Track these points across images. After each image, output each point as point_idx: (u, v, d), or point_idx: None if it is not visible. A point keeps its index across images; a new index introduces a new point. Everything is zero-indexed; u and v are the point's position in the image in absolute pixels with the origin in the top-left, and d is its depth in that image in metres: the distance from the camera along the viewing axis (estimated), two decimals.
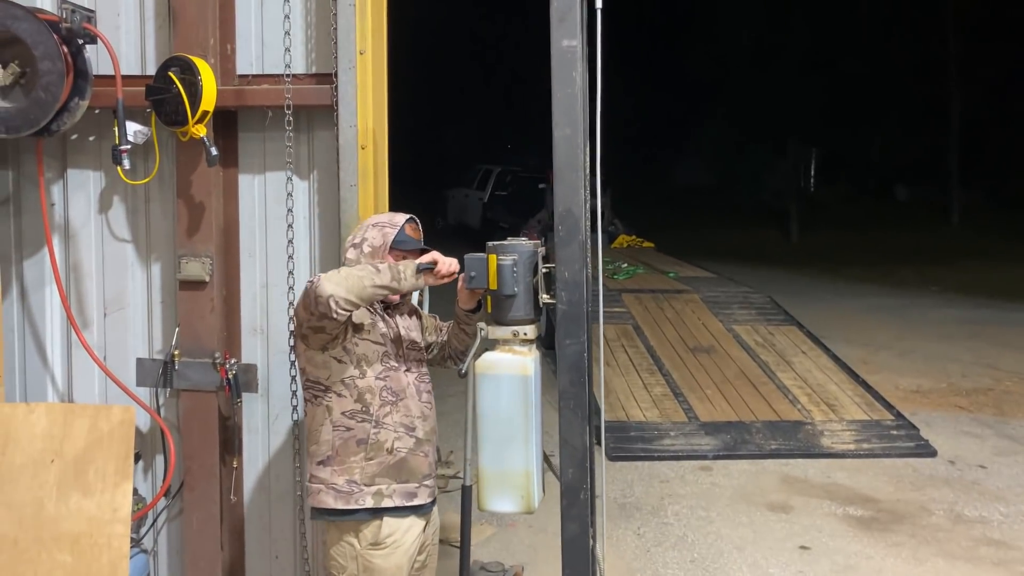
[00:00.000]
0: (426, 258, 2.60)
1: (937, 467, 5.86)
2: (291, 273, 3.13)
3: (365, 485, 2.58)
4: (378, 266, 2.52)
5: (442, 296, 2.87)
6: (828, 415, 6.61)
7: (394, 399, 2.63)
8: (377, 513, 2.59)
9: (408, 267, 2.54)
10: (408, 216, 2.75)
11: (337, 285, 2.42)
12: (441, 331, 2.93)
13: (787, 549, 4.67)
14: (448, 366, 2.94)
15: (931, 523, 5.00)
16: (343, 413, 2.60)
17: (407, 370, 2.69)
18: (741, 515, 5.11)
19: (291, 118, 3.04)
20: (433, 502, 2.78)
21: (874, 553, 4.62)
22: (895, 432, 6.36)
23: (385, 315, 2.71)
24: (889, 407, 6.77)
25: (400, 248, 2.66)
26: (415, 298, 3.36)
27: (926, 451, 6.08)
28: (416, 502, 2.67)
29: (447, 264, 2.60)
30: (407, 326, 2.78)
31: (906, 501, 5.31)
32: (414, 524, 2.67)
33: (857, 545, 4.72)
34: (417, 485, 2.67)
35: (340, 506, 2.58)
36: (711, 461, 5.95)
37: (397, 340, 2.70)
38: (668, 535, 4.85)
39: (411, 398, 2.67)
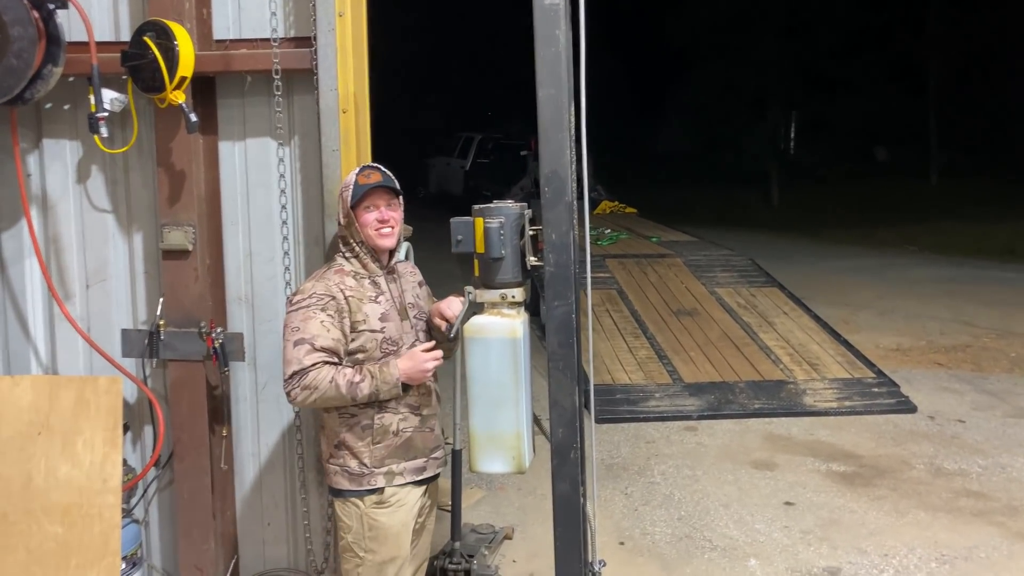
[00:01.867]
0: (404, 368, 2.55)
1: (917, 423, 5.97)
2: (285, 238, 3.10)
3: (375, 467, 2.63)
4: (355, 395, 2.51)
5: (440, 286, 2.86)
6: (810, 374, 6.70)
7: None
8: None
9: (385, 388, 2.54)
10: (359, 168, 2.69)
11: (310, 404, 2.54)
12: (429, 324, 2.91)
13: (772, 505, 4.75)
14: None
15: (912, 477, 5.11)
16: None
17: (411, 345, 2.67)
18: (726, 473, 5.19)
19: (280, 83, 2.98)
20: (439, 472, 2.82)
21: (856, 507, 4.72)
22: (876, 389, 6.46)
23: (387, 285, 2.69)
24: (870, 365, 6.87)
25: (359, 203, 2.60)
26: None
27: (906, 407, 6.19)
28: (426, 475, 2.72)
29: (428, 366, 2.58)
30: (416, 294, 2.79)
31: (887, 456, 5.41)
32: (417, 488, 2.72)
33: (840, 500, 4.81)
34: (426, 460, 2.71)
35: (354, 487, 2.63)
36: (696, 421, 6.03)
37: (402, 311, 2.69)
38: (655, 494, 4.92)
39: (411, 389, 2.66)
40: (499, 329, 2.60)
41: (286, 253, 3.11)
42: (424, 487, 2.74)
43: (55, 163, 3.22)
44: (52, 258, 3.24)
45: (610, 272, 9.14)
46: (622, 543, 4.35)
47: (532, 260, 2.65)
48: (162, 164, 3.04)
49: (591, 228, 11.66)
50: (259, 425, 3.24)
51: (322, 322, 2.53)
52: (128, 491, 3.19)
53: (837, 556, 4.18)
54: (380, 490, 2.63)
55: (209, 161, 3.13)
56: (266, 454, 3.24)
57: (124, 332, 3.20)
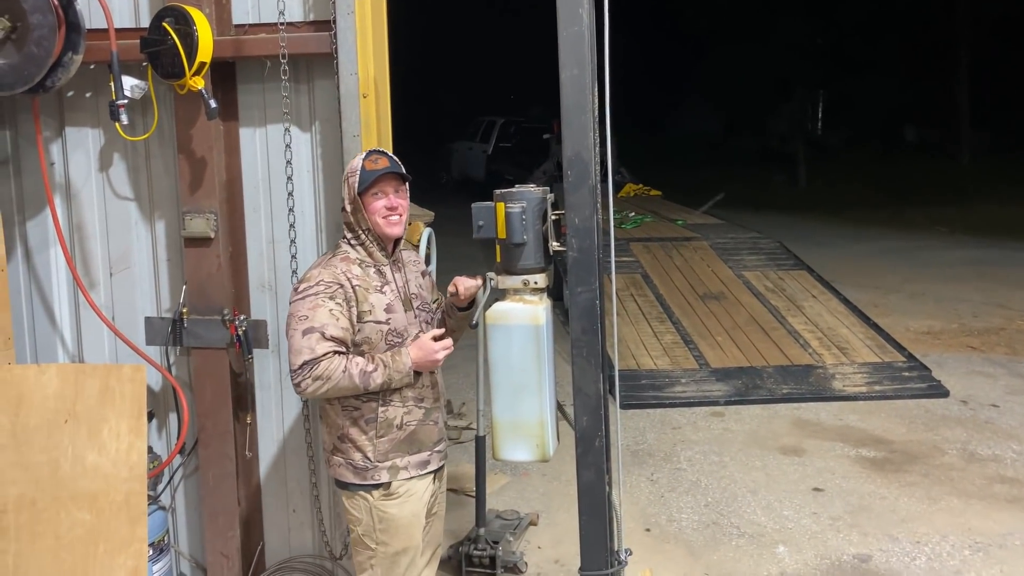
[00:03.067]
0: (415, 356, 2.52)
1: (949, 407, 5.86)
2: (292, 227, 3.08)
3: (379, 462, 2.58)
4: (367, 385, 2.46)
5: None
6: (839, 358, 6.59)
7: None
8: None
9: (397, 377, 2.50)
10: (366, 153, 2.61)
11: (321, 395, 2.47)
12: (439, 306, 2.86)
13: (800, 491, 4.69)
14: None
15: (944, 462, 5.01)
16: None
17: (416, 335, 2.62)
18: (754, 459, 5.12)
19: (287, 67, 2.96)
20: (444, 462, 2.78)
21: (887, 493, 4.64)
22: (907, 374, 6.35)
23: (393, 275, 2.64)
24: (900, 349, 6.75)
25: (364, 188, 2.53)
26: (423, 251, 3.33)
27: (938, 392, 6.08)
28: (430, 468, 2.68)
29: (439, 356, 2.55)
30: (419, 284, 2.74)
31: (919, 441, 5.32)
32: (425, 478, 2.68)
33: (870, 486, 4.73)
34: (429, 453, 2.67)
35: (358, 481, 2.60)
36: (723, 407, 5.96)
37: (407, 300, 2.64)
38: (681, 480, 4.87)
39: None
40: (521, 316, 2.56)
41: (292, 241, 3.08)
42: (432, 476, 2.70)
43: (77, 151, 3.22)
44: (76, 246, 3.25)
45: (634, 256, 9.06)
46: (648, 530, 4.31)
47: (555, 245, 2.60)
48: (183, 151, 3.03)
49: (615, 211, 11.55)
50: (283, 412, 3.24)
51: (331, 311, 2.46)
52: (154, 478, 3.21)
53: (867, 543, 4.12)
54: (386, 484, 2.58)
55: (230, 148, 3.11)
56: (290, 441, 3.24)
57: (148, 320, 3.21)
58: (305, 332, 2.43)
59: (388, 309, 2.57)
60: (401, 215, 2.61)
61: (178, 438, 3.18)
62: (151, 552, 3.02)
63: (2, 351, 2.96)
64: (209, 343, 3.08)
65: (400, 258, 2.70)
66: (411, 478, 2.62)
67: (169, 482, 3.30)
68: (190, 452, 3.25)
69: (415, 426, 2.61)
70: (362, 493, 2.59)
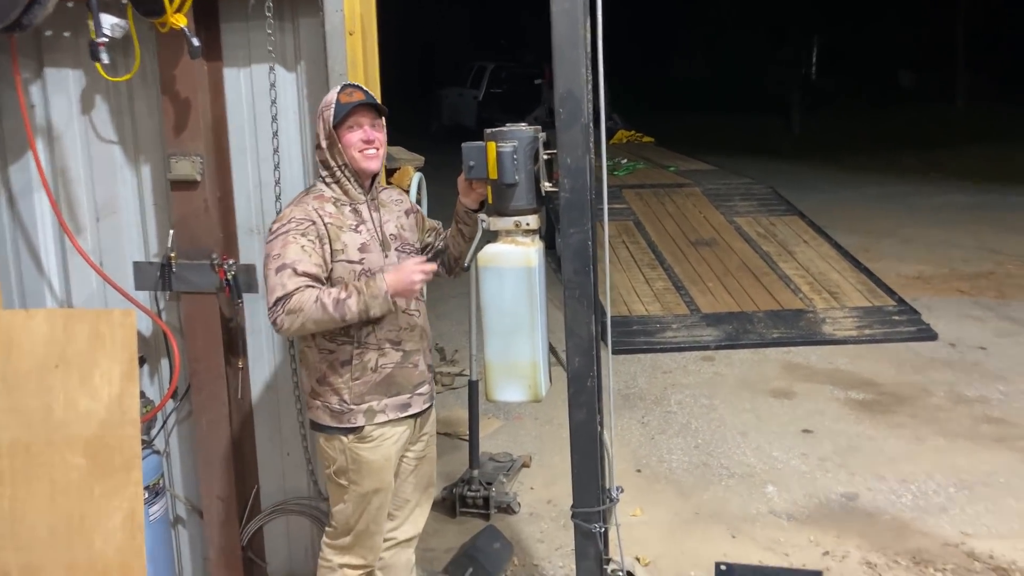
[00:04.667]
0: (391, 281, 2.42)
1: (938, 350, 5.92)
2: (276, 167, 3.03)
3: (355, 404, 2.55)
4: (344, 314, 2.38)
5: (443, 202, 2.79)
6: (830, 303, 6.63)
7: (376, 318, 2.52)
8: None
9: (376, 303, 2.40)
10: (340, 86, 2.55)
11: (299, 333, 2.46)
12: (440, 235, 2.82)
13: (790, 433, 4.75)
14: (439, 273, 2.78)
15: (932, 404, 5.08)
16: (324, 336, 2.54)
17: None
18: (744, 402, 5.18)
19: (271, 3, 2.88)
20: (430, 406, 2.76)
21: (876, 434, 4.71)
22: (897, 317, 6.39)
23: (370, 214, 2.58)
24: (891, 293, 6.79)
25: (340, 120, 2.47)
26: (413, 196, 3.29)
27: (927, 335, 6.13)
28: (411, 412, 2.65)
29: (416, 278, 2.43)
30: (399, 224, 2.67)
31: (907, 384, 5.38)
32: (401, 423, 2.65)
33: (859, 427, 4.80)
34: (410, 396, 2.64)
35: (334, 424, 2.58)
36: (713, 351, 6.01)
37: (384, 242, 2.59)
38: (672, 423, 4.93)
39: (395, 312, 2.54)
40: (514, 258, 2.54)
41: (277, 182, 3.02)
42: (410, 420, 2.67)
43: (58, 93, 3.14)
44: (61, 191, 3.20)
45: (627, 203, 9.02)
46: (639, 471, 4.37)
47: (547, 186, 2.57)
48: (166, 92, 2.96)
49: (607, 158, 11.45)
50: (275, 357, 3.24)
51: (303, 247, 2.41)
52: (148, 423, 3.21)
53: (855, 482, 4.19)
54: (360, 428, 2.57)
55: (214, 88, 3.04)
56: (283, 385, 3.24)
57: (136, 265, 3.18)
58: (278, 270, 2.40)
59: (362, 249, 2.52)
60: (378, 148, 2.55)
61: (170, 383, 3.18)
62: (147, 495, 3.04)
63: None
64: (198, 288, 3.05)
65: (379, 197, 2.65)
66: (387, 422, 2.60)
67: (163, 427, 3.31)
68: (183, 397, 3.25)
69: (391, 369, 2.58)
70: (339, 436, 2.59)
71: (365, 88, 2.57)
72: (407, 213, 2.74)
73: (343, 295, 2.40)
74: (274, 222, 2.51)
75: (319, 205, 2.50)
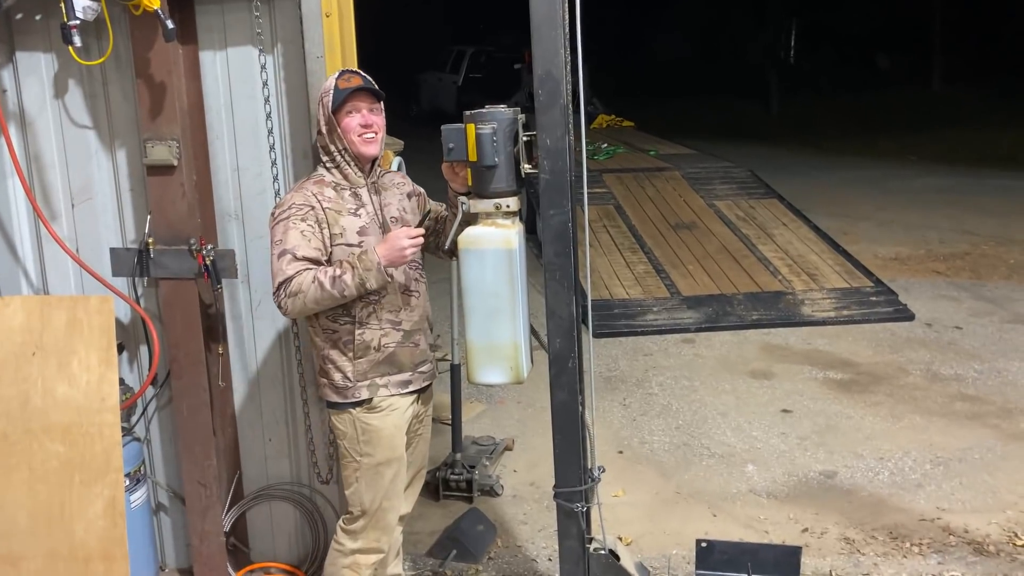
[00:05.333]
0: (382, 252, 2.45)
1: (914, 330, 6.00)
2: (272, 148, 3.01)
3: (359, 380, 2.61)
4: (343, 290, 2.43)
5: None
6: (809, 284, 6.69)
7: (376, 298, 2.58)
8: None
9: (371, 276, 2.44)
10: (338, 72, 2.59)
11: (303, 314, 2.54)
12: (440, 218, 2.83)
13: (769, 413, 4.80)
14: (440, 256, 2.87)
15: (908, 383, 5.15)
16: (327, 316, 2.60)
17: None
18: (724, 383, 5.23)
19: None
20: (430, 384, 2.80)
21: (853, 413, 4.77)
22: (874, 298, 6.47)
23: (370, 197, 2.62)
24: (868, 274, 6.86)
25: (341, 108, 2.52)
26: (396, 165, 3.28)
27: (904, 315, 6.21)
28: (411, 388, 2.70)
29: (404, 243, 2.45)
30: (401, 207, 2.70)
31: (884, 363, 5.45)
32: (409, 395, 2.71)
33: (837, 406, 4.86)
34: (411, 373, 2.69)
35: (339, 400, 2.64)
36: (693, 334, 6.05)
37: (384, 225, 2.62)
38: (653, 404, 4.96)
39: (395, 292, 2.61)
40: (494, 239, 2.55)
41: (273, 162, 3.01)
42: (415, 395, 2.74)
43: (30, 77, 3.10)
44: (35, 177, 3.15)
45: (607, 187, 9.04)
46: (621, 452, 4.40)
47: (527, 168, 2.58)
48: (141, 76, 2.92)
49: (587, 142, 11.46)
50: (256, 342, 3.22)
51: (302, 232, 2.49)
52: (128, 410, 3.19)
53: (833, 460, 4.25)
54: (368, 400, 2.63)
55: (190, 72, 3.00)
56: (264, 371, 3.23)
57: (113, 251, 3.14)
58: (279, 255, 2.48)
59: (361, 232, 2.57)
60: (377, 133, 2.59)
61: (149, 369, 3.16)
62: (128, 482, 3.03)
63: None
64: (177, 273, 3.03)
65: (379, 180, 2.68)
66: (392, 395, 2.65)
67: (143, 414, 3.29)
68: (163, 384, 3.23)
69: (393, 348, 2.63)
70: (347, 409, 2.64)
71: (363, 74, 2.59)
72: (409, 196, 2.77)
73: (338, 272, 2.46)
74: (275, 208, 2.58)
75: (318, 190, 2.55)
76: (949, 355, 5.54)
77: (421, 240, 2.52)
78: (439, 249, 2.84)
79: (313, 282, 2.44)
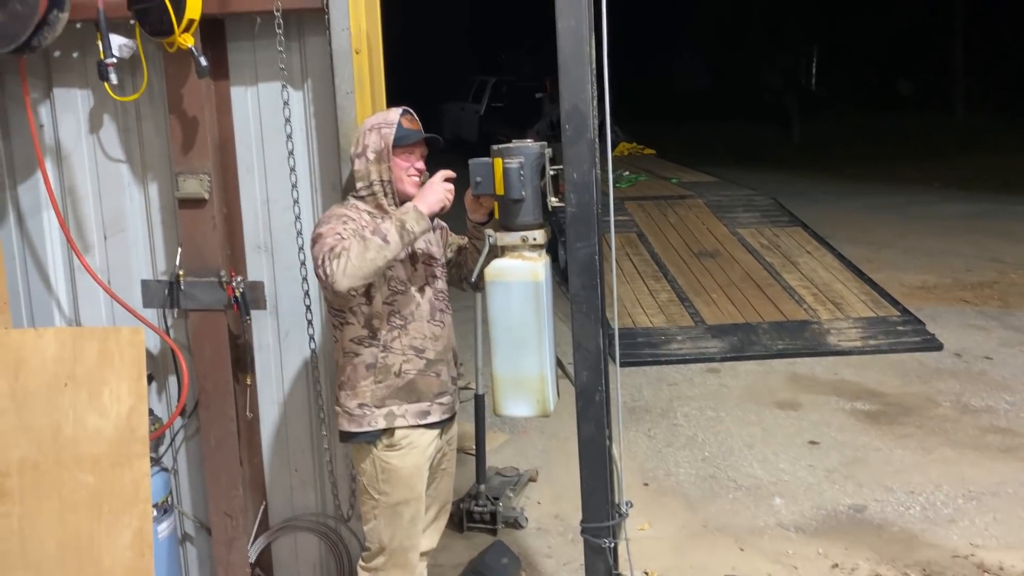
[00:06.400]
0: (417, 199, 2.49)
1: (943, 360, 5.91)
2: (295, 186, 3.05)
3: (376, 407, 2.60)
4: (385, 235, 2.40)
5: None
6: (834, 313, 6.63)
7: (402, 323, 2.60)
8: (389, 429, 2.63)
9: (409, 216, 2.44)
10: (402, 109, 2.63)
11: (352, 277, 2.36)
12: (461, 250, 2.86)
13: (796, 444, 4.74)
14: (464, 288, 2.90)
15: (938, 414, 5.07)
16: (352, 339, 2.61)
17: (420, 288, 2.64)
18: (750, 414, 5.17)
19: (281, 21, 2.89)
20: (451, 417, 2.79)
21: (882, 445, 4.70)
22: (901, 327, 6.39)
23: None
24: (895, 303, 6.79)
25: (402, 144, 2.57)
26: None
27: (932, 345, 6.13)
28: (429, 420, 2.68)
29: (441, 187, 2.50)
30: (427, 239, 2.72)
31: (913, 394, 5.37)
32: (428, 432, 2.69)
33: (865, 438, 4.79)
34: (429, 404, 2.67)
35: (354, 429, 2.62)
36: (718, 363, 6.00)
37: (412, 254, 2.64)
38: (678, 436, 4.92)
39: (420, 320, 2.63)
40: (520, 272, 2.55)
41: (295, 201, 3.05)
42: (437, 430, 2.72)
43: (67, 113, 3.17)
44: (69, 210, 3.22)
45: (629, 215, 9.05)
46: (646, 484, 4.36)
47: (553, 201, 2.59)
48: (174, 111, 2.98)
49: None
50: (283, 373, 3.24)
51: (340, 233, 2.47)
52: (156, 441, 3.21)
53: (863, 494, 4.18)
54: (388, 432, 2.61)
55: (222, 107, 3.06)
56: (291, 401, 3.25)
57: (144, 283, 3.19)
58: (319, 243, 2.45)
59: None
60: (420, 176, 2.65)
61: (178, 400, 3.18)
62: (155, 513, 3.04)
63: None
64: (206, 305, 3.06)
65: None
66: (411, 427, 2.63)
67: (171, 444, 3.31)
68: (191, 414, 3.26)
69: (414, 375, 2.62)
70: (367, 444, 2.63)
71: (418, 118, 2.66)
72: (433, 229, 2.79)
73: (378, 224, 2.46)
74: (317, 224, 2.57)
75: (356, 212, 2.59)
76: (979, 386, 5.45)
77: (452, 187, 2.52)
78: (463, 281, 2.86)
79: (357, 238, 2.41)
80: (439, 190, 2.50)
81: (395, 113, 2.61)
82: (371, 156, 2.58)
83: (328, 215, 2.58)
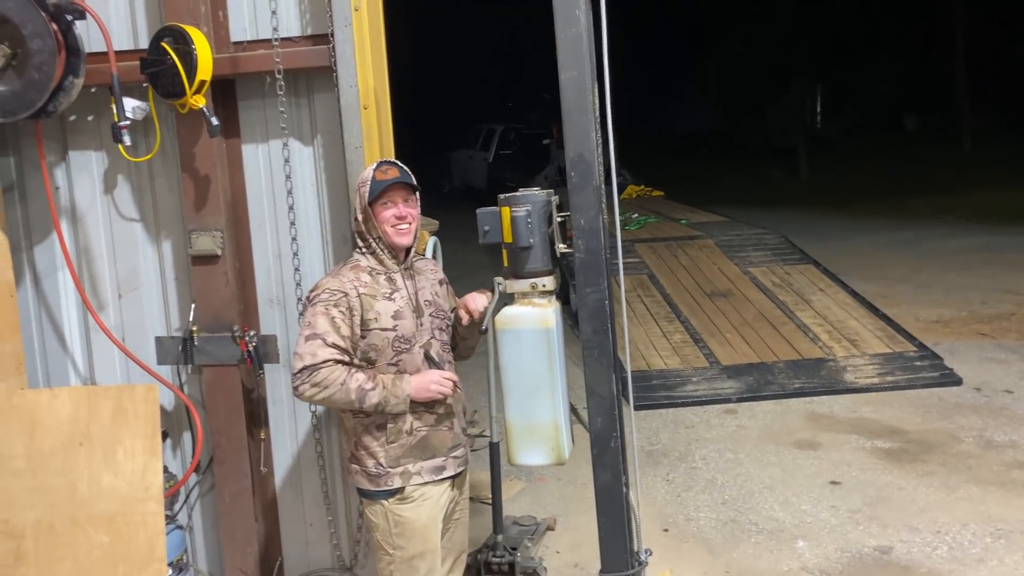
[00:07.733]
0: (415, 384, 2.55)
1: (963, 395, 5.83)
2: (294, 239, 3.09)
3: (391, 467, 2.60)
4: (369, 393, 2.48)
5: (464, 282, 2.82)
6: (850, 350, 6.57)
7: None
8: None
9: (399, 398, 2.52)
10: (376, 163, 2.65)
11: (317, 402, 2.53)
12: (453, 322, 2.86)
13: (817, 485, 4.66)
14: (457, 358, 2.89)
15: (961, 450, 4.98)
16: None
17: (426, 343, 2.63)
18: (769, 455, 5.10)
19: (282, 82, 2.97)
20: (464, 469, 2.77)
21: (905, 484, 4.61)
22: (919, 363, 6.32)
23: (404, 282, 2.64)
24: (911, 339, 6.72)
25: (377, 199, 2.57)
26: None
27: (951, 380, 6.05)
28: (445, 475, 2.67)
29: (432, 388, 2.56)
30: (434, 291, 2.73)
31: (934, 430, 5.29)
32: (442, 483, 2.67)
33: (888, 477, 4.71)
34: (444, 459, 2.66)
35: (371, 488, 2.62)
36: (735, 404, 5.94)
37: (417, 308, 2.64)
38: (697, 479, 4.85)
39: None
40: (531, 319, 2.56)
41: (295, 255, 3.09)
42: (449, 482, 2.70)
43: (82, 174, 3.23)
44: (84, 269, 3.26)
45: (640, 257, 9.05)
46: (666, 530, 4.29)
47: (561, 247, 2.61)
48: (186, 170, 3.04)
49: (618, 213, 11.55)
50: (297, 426, 3.24)
51: (333, 319, 2.50)
52: (171, 497, 3.21)
53: (888, 535, 4.09)
54: (400, 489, 2.60)
55: (233, 164, 3.12)
56: (305, 455, 3.24)
57: (158, 340, 3.21)
58: (308, 338, 2.50)
59: (396, 315, 2.58)
60: (411, 224, 2.64)
61: (193, 456, 3.18)
62: (170, 571, 3.02)
63: (14, 376, 2.97)
64: (220, 360, 3.08)
65: (413, 266, 2.71)
66: (425, 483, 2.62)
67: (186, 501, 3.30)
68: (205, 470, 3.25)
69: (426, 432, 2.61)
70: (379, 500, 2.61)
71: (401, 165, 2.66)
72: (440, 283, 2.81)
73: (368, 386, 2.49)
74: (311, 291, 2.61)
75: (354, 276, 2.59)
76: (1002, 420, 5.36)
77: (450, 389, 2.59)
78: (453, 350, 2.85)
79: (341, 385, 2.47)
80: (434, 388, 2.56)
81: (370, 170, 2.62)
82: (360, 216, 2.62)
83: (321, 290, 2.55)
